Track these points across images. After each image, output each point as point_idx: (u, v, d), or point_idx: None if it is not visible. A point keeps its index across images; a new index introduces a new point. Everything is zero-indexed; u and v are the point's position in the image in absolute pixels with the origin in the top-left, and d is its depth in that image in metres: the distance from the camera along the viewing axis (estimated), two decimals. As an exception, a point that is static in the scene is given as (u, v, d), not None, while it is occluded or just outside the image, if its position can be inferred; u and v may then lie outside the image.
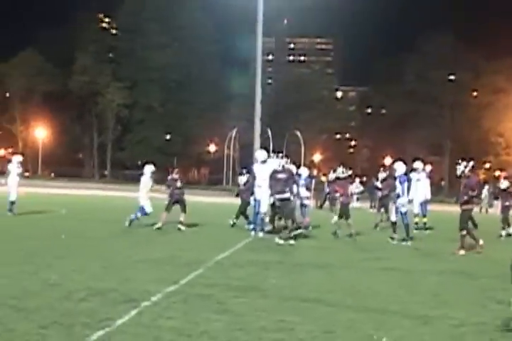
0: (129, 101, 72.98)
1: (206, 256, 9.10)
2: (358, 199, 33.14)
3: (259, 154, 13.27)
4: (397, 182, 12.40)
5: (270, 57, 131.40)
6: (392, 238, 12.51)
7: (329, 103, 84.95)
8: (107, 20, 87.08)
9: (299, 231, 12.69)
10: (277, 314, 5.43)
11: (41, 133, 77.43)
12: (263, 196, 12.69)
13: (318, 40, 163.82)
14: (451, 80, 74.54)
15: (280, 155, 12.23)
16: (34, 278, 6.63)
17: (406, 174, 12.67)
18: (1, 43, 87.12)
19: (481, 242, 11.13)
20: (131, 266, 7.87)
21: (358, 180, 34.89)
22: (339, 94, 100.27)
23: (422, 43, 71.38)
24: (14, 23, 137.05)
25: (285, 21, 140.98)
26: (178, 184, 13.82)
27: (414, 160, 16.42)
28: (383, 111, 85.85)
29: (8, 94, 79.25)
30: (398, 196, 12.25)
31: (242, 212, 14.52)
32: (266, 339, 4.58)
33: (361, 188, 32.26)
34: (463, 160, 11.39)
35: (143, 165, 14.53)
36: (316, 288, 6.94)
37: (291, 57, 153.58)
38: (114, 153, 77.52)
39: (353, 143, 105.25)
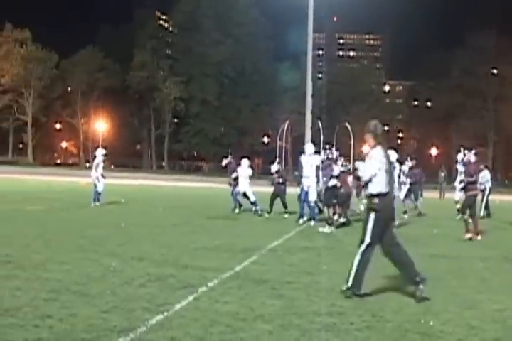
0: (186, 95, 73.99)
1: (261, 243, 9.27)
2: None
3: (308, 147, 13.77)
4: None
5: (321, 52, 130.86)
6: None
7: (378, 96, 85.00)
8: (164, 17, 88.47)
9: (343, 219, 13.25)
10: (329, 299, 5.53)
11: (101, 126, 79.49)
12: (311, 185, 13.14)
13: (367, 36, 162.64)
14: (494, 74, 74.00)
15: (331, 147, 12.60)
16: (96, 264, 6.80)
17: (398, 161, 12.72)
18: (63, 41, 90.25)
19: (467, 236, 11.13)
20: (189, 253, 8.03)
21: None
22: (387, 88, 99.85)
23: (469, 39, 71.43)
24: (75, 22, 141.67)
25: (335, 18, 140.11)
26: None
27: (457, 152, 16.50)
28: (429, 104, 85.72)
29: (69, 90, 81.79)
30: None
31: (272, 199, 15.09)
32: (318, 323, 4.65)
33: None
34: (464, 148, 11.80)
35: (241, 158, 16.10)
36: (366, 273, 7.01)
37: (340, 53, 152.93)
38: (171, 144, 78.89)
39: (400, 134, 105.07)
